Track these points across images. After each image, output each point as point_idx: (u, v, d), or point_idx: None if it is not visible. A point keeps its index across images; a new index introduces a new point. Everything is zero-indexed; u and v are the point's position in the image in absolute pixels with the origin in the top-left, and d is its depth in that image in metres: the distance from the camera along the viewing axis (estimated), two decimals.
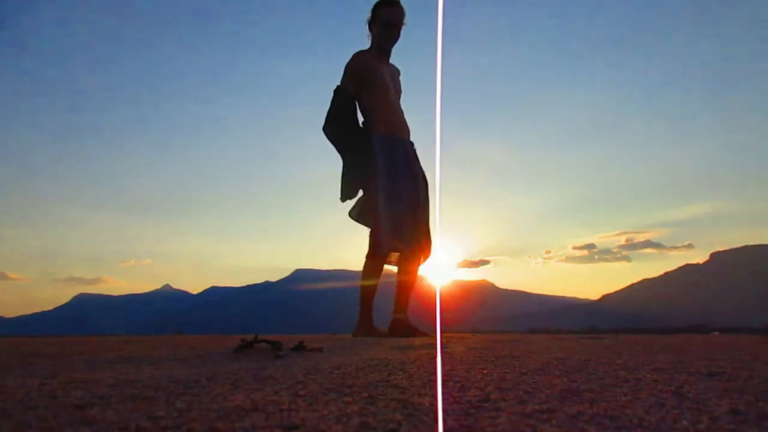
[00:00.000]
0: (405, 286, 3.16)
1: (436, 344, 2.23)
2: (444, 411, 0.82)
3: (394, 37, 3.25)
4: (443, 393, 0.96)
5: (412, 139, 3.31)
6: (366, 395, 0.95)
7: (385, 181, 3.07)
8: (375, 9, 3.20)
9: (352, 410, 0.83)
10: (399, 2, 3.21)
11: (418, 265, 3.17)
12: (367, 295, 3.22)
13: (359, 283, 3.20)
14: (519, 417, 0.79)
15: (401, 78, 3.44)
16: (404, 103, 3.36)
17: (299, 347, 1.90)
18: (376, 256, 3.12)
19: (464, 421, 0.77)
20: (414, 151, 3.25)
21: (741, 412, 0.83)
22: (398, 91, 3.33)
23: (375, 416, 0.79)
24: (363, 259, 3.19)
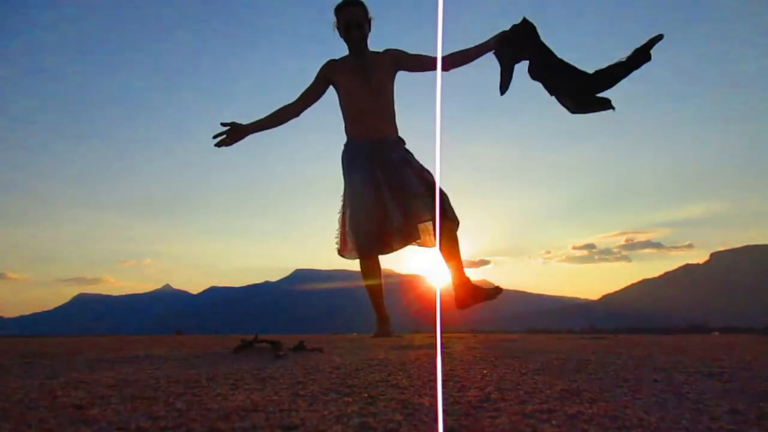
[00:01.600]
0: (448, 257, 2.98)
1: (436, 344, 2.23)
2: (444, 411, 0.82)
3: (356, 36, 3.13)
4: (443, 393, 0.96)
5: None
6: (366, 395, 0.95)
7: (346, 188, 3.12)
8: (334, 13, 3.17)
9: (352, 410, 0.83)
10: (352, 1, 3.10)
11: (447, 237, 2.98)
12: (370, 296, 3.20)
13: (362, 283, 3.19)
14: (519, 417, 0.79)
15: (397, 54, 3.20)
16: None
17: (299, 347, 1.90)
18: (360, 257, 3.12)
19: (464, 421, 0.77)
20: (379, 145, 3.09)
21: (741, 412, 0.83)
22: (372, 84, 3.15)
23: (375, 416, 0.79)
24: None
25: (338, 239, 3.19)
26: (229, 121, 3.00)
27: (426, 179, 3.01)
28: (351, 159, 3.15)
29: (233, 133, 3.02)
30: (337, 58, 3.25)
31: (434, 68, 3.20)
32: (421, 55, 3.21)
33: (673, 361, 1.52)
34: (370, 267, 3.12)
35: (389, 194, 3.01)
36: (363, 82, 3.17)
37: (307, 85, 3.23)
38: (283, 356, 1.68)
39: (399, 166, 3.04)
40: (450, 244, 3.02)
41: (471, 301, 2.94)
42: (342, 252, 3.18)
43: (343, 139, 3.23)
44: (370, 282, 3.14)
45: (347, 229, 3.11)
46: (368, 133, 3.15)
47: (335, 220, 3.22)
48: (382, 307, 3.20)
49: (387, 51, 3.26)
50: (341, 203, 3.18)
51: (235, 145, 3.07)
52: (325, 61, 3.24)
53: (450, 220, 3.00)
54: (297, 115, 3.24)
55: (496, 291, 2.97)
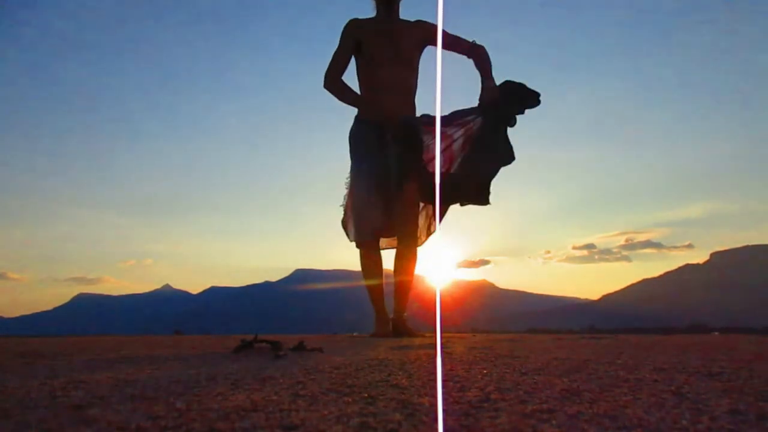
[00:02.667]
0: (400, 285, 3.02)
1: (436, 344, 2.23)
2: (444, 411, 0.82)
3: None
4: (443, 393, 0.96)
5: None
6: (366, 395, 0.95)
7: (354, 170, 2.96)
8: None
9: (352, 410, 0.83)
10: None
11: (413, 260, 3.00)
12: (370, 295, 3.09)
13: (363, 282, 3.11)
14: (519, 417, 0.79)
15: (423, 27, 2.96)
16: None
17: (299, 347, 1.90)
18: (360, 250, 3.01)
19: (464, 421, 0.76)
20: (397, 130, 2.84)
21: (741, 412, 0.83)
22: (399, 53, 2.87)
23: (375, 416, 0.79)
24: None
25: (343, 216, 3.08)
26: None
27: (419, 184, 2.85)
28: (360, 139, 2.93)
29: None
30: (362, 17, 2.95)
31: (462, 53, 2.97)
32: (454, 36, 2.95)
33: (673, 361, 1.52)
34: (371, 264, 3.02)
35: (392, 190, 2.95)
36: (390, 48, 2.87)
37: (335, 52, 2.95)
38: (283, 356, 1.68)
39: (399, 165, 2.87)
40: (401, 270, 2.96)
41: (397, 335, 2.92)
42: (345, 227, 3.09)
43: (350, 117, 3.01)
44: (371, 281, 3.05)
45: (351, 211, 3.01)
46: (385, 111, 2.88)
47: (341, 196, 3.08)
48: (383, 307, 3.11)
49: (419, 22, 2.97)
50: (347, 182, 3.03)
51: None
52: (347, 21, 2.95)
53: (410, 242, 2.91)
54: (341, 74, 2.98)
55: (412, 333, 2.93)
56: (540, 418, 0.78)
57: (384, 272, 3.15)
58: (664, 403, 0.89)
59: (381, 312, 3.13)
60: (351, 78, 3.05)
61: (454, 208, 3.07)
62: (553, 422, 0.76)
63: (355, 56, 2.99)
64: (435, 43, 2.99)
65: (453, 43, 2.99)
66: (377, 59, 2.89)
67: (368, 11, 3.05)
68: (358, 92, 2.99)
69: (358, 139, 2.97)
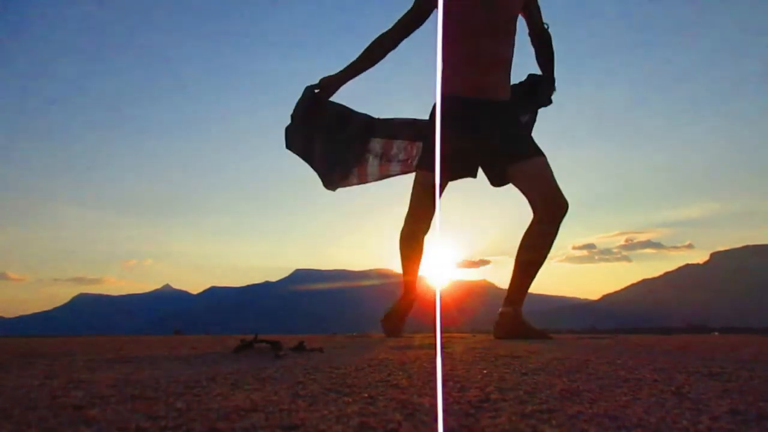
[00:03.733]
0: (520, 266, 2.47)
1: (436, 344, 2.23)
2: (444, 411, 0.82)
3: None
4: (443, 393, 0.96)
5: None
6: (366, 395, 0.95)
7: (423, 152, 2.63)
8: None
9: (352, 410, 0.83)
10: None
11: (548, 235, 2.43)
12: (404, 285, 2.88)
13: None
14: (519, 417, 0.79)
15: None
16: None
17: (299, 347, 1.90)
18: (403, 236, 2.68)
19: (464, 421, 0.76)
20: (489, 114, 2.39)
21: (741, 412, 0.83)
22: (495, 23, 2.39)
23: (375, 416, 0.79)
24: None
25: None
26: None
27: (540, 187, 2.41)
28: (444, 127, 2.25)
29: (322, 93, 2.62)
30: None
31: (531, 30, 2.63)
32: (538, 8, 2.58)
33: (673, 361, 1.52)
34: (412, 249, 2.67)
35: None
36: (486, 9, 2.35)
37: (407, 9, 2.49)
38: (283, 356, 1.68)
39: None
40: (526, 245, 2.46)
41: (512, 334, 2.55)
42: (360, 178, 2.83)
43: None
44: (409, 264, 2.75)
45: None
46: (480, 90, 2.39)
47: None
48: (407, 296, 2.90)
49: None
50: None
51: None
52: None
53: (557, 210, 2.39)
54: (395, 46, 2.55)
55: (542, 335, 2.56)
56: (540, 418, 0.78)
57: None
58: (664, 403, 0.89)
59: (404, 297, 2.89)
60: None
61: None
62: (553, 422, 0.76)
63: (445, 25, 2.42)
64: (527, 14, 2.57)
65: (533, 12, 2.59)
66: (470, 24, 2.40)
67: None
68: (453, 65, 2.44)
69: (439, 123, 2.45)
